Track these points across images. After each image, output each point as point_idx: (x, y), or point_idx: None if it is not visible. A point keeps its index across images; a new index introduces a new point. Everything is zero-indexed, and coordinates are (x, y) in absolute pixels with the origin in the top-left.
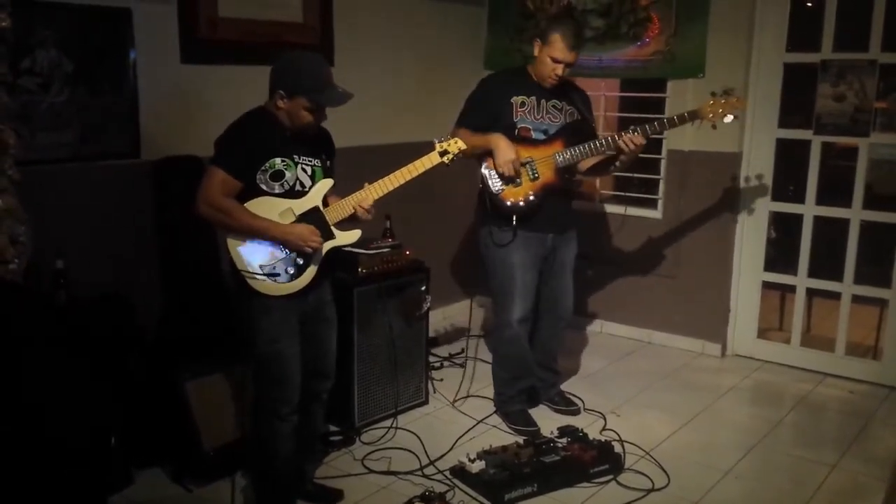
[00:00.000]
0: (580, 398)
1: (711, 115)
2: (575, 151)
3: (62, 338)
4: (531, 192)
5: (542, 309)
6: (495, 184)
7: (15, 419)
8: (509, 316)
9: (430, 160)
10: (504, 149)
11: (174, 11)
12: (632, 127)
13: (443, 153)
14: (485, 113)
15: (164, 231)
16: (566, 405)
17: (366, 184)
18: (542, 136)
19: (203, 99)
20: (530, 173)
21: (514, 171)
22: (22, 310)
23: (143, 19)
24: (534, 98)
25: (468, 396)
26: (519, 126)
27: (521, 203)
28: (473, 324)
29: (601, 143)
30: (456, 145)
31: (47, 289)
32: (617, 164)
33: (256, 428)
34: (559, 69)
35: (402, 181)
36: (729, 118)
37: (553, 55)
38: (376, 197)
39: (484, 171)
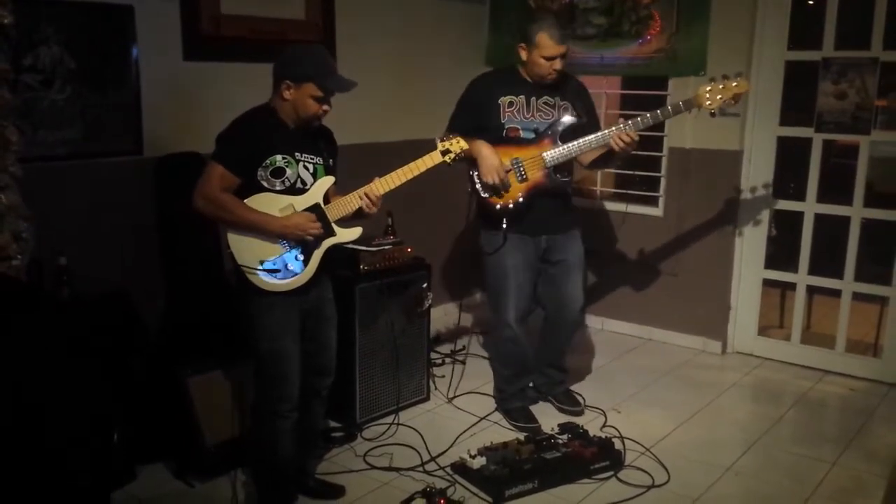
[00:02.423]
0: (581, 395)
1: (709, 102)
2: (563, 150)
3: (64, 334)
4: (519, 194)
5: (549, 309)
6: (484, 189)
7: (17, 415)
8: (506, 317)
9: (432, 159)
10: (487, 157)
11: (176, 8)
12: (622, 121)
13: (445, 152)
14: (472, 115)
15: (167, 228)
16: (571, 405)
17: (375, 178)
18: (531, 136)
19: (205, 96)
20: (518, 175)
21: (498, 179)
22: (24, 306)
23: (146, 16)
24: (522, 97)
25: (469, 393)
26: (507, 127)
27: (510, 205)
28: (471, 322)
29: (591, 140)
30: (458, 145)
31: (50, 285)
32: (612, 160)
33: (257, 425)
34: (556, 63)
35: (403, 180)
36: (730, 104)
37: (544, 54)
38: (378, 193)
39: (473, 174)
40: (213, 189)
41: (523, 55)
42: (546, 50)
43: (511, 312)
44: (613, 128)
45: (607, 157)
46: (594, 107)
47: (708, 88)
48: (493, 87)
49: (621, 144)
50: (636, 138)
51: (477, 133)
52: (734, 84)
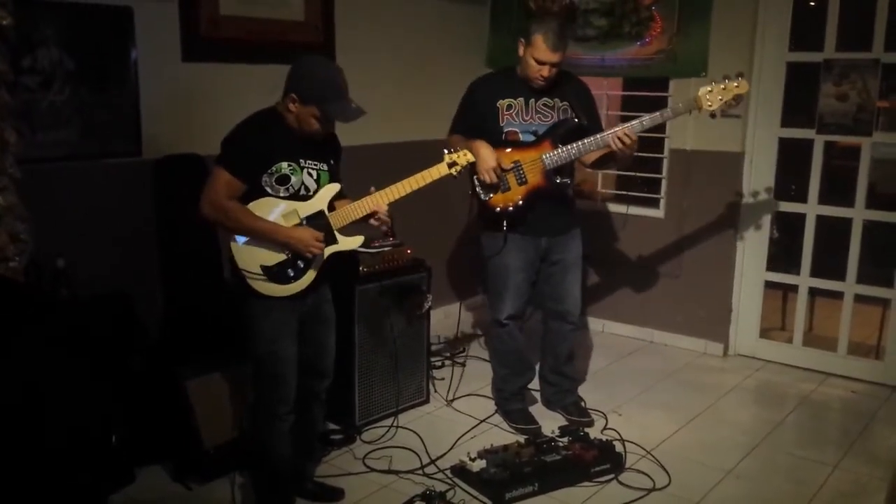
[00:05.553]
0: (582, 397)
1: (710, 103)
2: (563, 152)
3: (63, 336)
4: (519, 197)
5: (547, 310)
6: (483, 190)
7: (16, 416)
8: (499, 315)
9: (439, 171)
10: (484, 157)
11: (175, 10)
12: (628, 124)
13: (451, 164)
14: (472, 118)
15: (165, 229)
16: (580, 416)
17: (372, 188)
18: (531, 138)
19: (204, 97)
20: (518, 177)
21: (495, 178)
22: (22, 308)
23: (145, 18)
24: (521, 99)
25: (469, 395)
26: (506, 130)
27: (511, 208)
28: (471, 324)
29: (590, 142)
30: (465, 157)
31: (48, 287)
32: (614, 161)
33: (255, 427)
34: (544, 70)
35: (409, 190)
36: (731, 105)
37: (536, 56)
38: (385, 210)
39: (474, 177)
40: (220, 196)
41: (520, 50)
42: (538, 52)
43: (506, 310)
44: (614, 129)
45: (607, 158)
46: (596, 107)
47: (708, 89)
48: (491, 89)
49: (620, 145)
50: (635, 139)
51: (477, 135)
52: (735, 85)
